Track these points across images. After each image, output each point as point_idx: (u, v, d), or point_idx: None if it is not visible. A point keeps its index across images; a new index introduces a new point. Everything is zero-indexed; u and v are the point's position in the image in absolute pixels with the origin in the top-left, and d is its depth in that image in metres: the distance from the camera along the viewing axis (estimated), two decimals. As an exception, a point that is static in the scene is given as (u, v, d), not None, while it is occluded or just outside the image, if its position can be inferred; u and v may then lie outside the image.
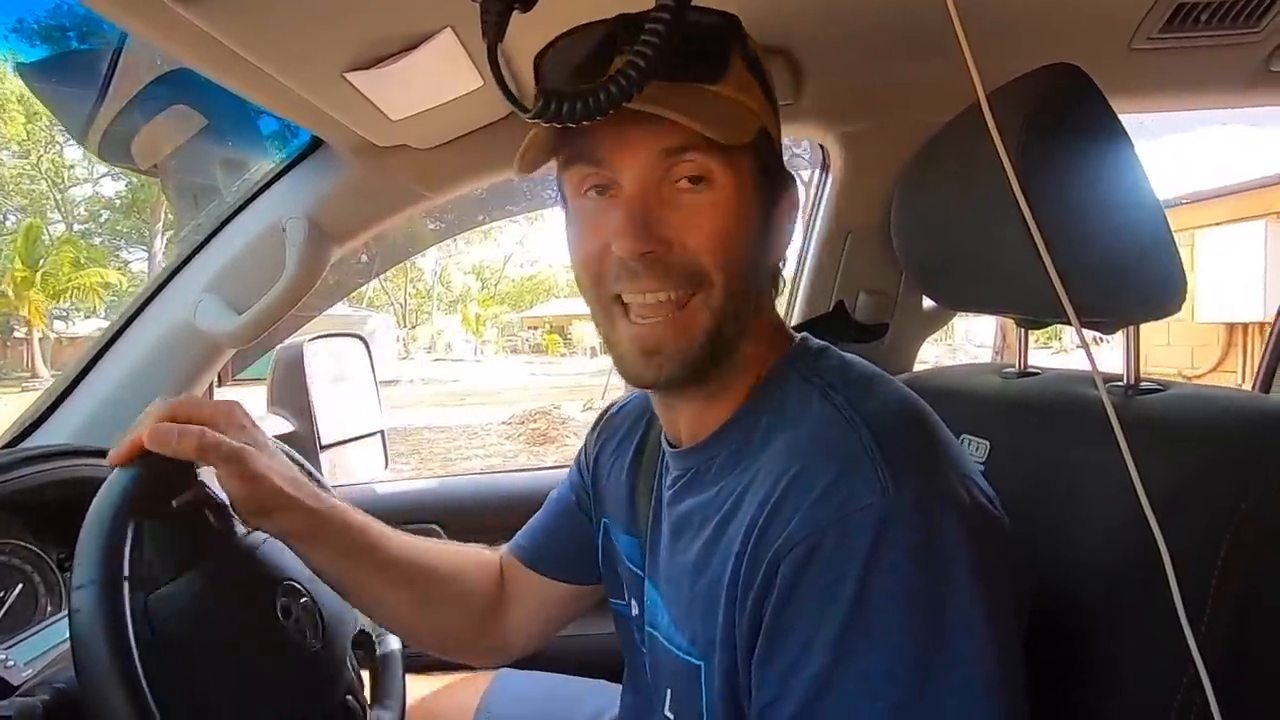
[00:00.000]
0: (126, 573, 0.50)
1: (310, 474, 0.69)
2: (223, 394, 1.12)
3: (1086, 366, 0.57)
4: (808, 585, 0.43)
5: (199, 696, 0.53)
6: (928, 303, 1.05)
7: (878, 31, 0.82)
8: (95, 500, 0.51)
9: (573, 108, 0.35)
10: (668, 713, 0.56)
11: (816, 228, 1.05)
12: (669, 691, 0.56)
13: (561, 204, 0.56)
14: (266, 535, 0.64)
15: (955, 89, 0.58)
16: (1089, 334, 0.63)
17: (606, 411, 0.77)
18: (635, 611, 0.64)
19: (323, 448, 1.29)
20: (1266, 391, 1.35)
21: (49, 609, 0.73)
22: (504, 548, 0.81)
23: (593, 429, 0.77)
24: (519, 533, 0.81)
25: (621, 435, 0.71)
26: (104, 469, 0.77)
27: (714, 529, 0.51)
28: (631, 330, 0.51)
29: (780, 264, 0.57)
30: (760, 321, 0.55)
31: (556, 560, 0.78)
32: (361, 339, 1.55)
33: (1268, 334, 1.38)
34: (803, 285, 1.06)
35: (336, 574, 0.65)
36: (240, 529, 0.64)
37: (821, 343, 0.57)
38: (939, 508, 0.43)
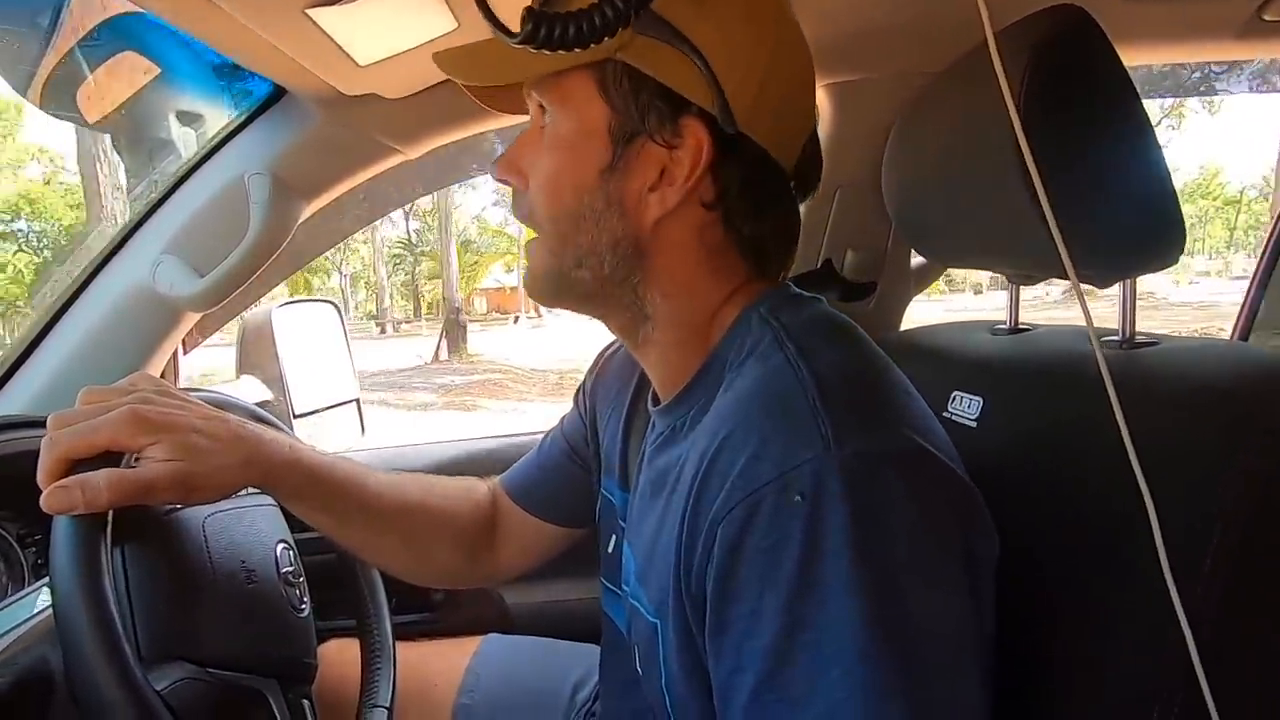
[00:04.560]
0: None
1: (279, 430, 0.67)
2: (187, 362, 1.08)
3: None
4: (750, 549, 0.41)
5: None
6: (917, 259, 1.04)
7: None
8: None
9: (565, 32, 0.31)
10: (638, 667, 0.56)
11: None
12: (637, 648, 0.56)
13: None
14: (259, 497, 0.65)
15: (949, 38, 0.56)
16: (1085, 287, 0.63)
17: (602, 354, 0.75)
18: (619, 566, 0.63)
19: (296, 416, 1.25)
20: (1245, 339, 1.39)
21: (9, 587, 0.70)
22: (496, 479, 0.80)
23: (589, 373, 0.76)
24: (513, 466, 0.80)
25: (618, 385, 0.69)
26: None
27: (672, 487, 0.50)
28: None
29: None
30: (680, 275, 0.52)
31: (544, 502, 0.77)
32: (334, 304, 1.50)
33: (1248, 284, 1.41)
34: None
35: (319, 526, 0.65)
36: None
37: (800, 292, 0.55)
38: (883, 462, 0.42)
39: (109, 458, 0.50)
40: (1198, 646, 0.45)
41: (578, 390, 0.77)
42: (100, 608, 0.44)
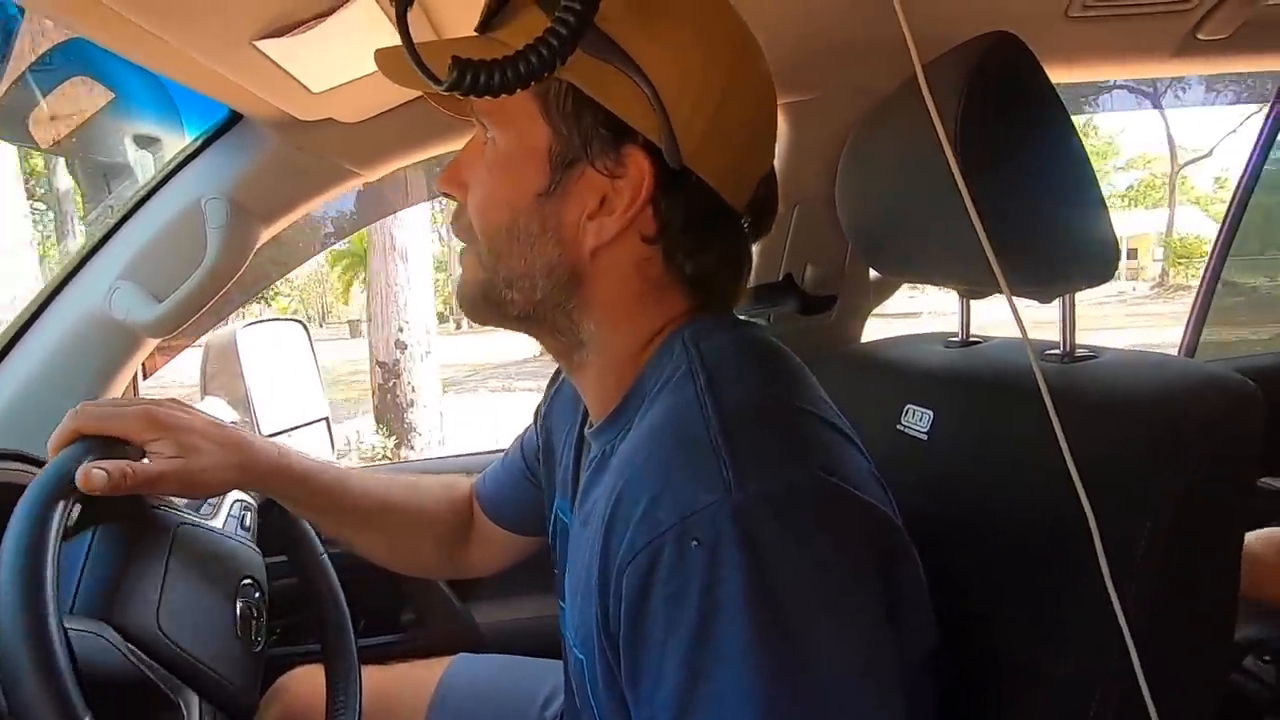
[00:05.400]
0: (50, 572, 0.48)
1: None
2: (146, 388, 1.07)
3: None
4: (655, 598, 0.39)
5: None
6: (875, 273, 1.06)
7: None
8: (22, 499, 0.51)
9: (490, 79, 0.32)
10: (576, 701, 0.56)
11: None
12: (572, 679, 0.56)
13: None
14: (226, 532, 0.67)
15: (899, 57, 0.57)
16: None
17: (559, 373, 0.74)
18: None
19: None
20: (1192, 356, 1.41)
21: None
22: (475, 480, 0.83)
23: (546, 392, 0.75)
24: (487, 470, 0.83)
25: (573, 405, 0.67)
26: (15, 472, 0.74)
27: (593, 520, 0.48)
28: None
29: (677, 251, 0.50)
30: (617, 305, 0.51)
31: (507, 512, 0.79)
32: (301, 323, 1.49)
33: (1193, 299, 1.41)
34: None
35: (307, 520, 0.73)
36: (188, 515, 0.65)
37: (733, 318, 0.54)
38: (786, 503, 0.40)
39: (117, 446, 0.57)
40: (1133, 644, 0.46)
41: (536, 409, 0.76)
42: (37, 556, 0.48)
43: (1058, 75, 0.97)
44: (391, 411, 6.31)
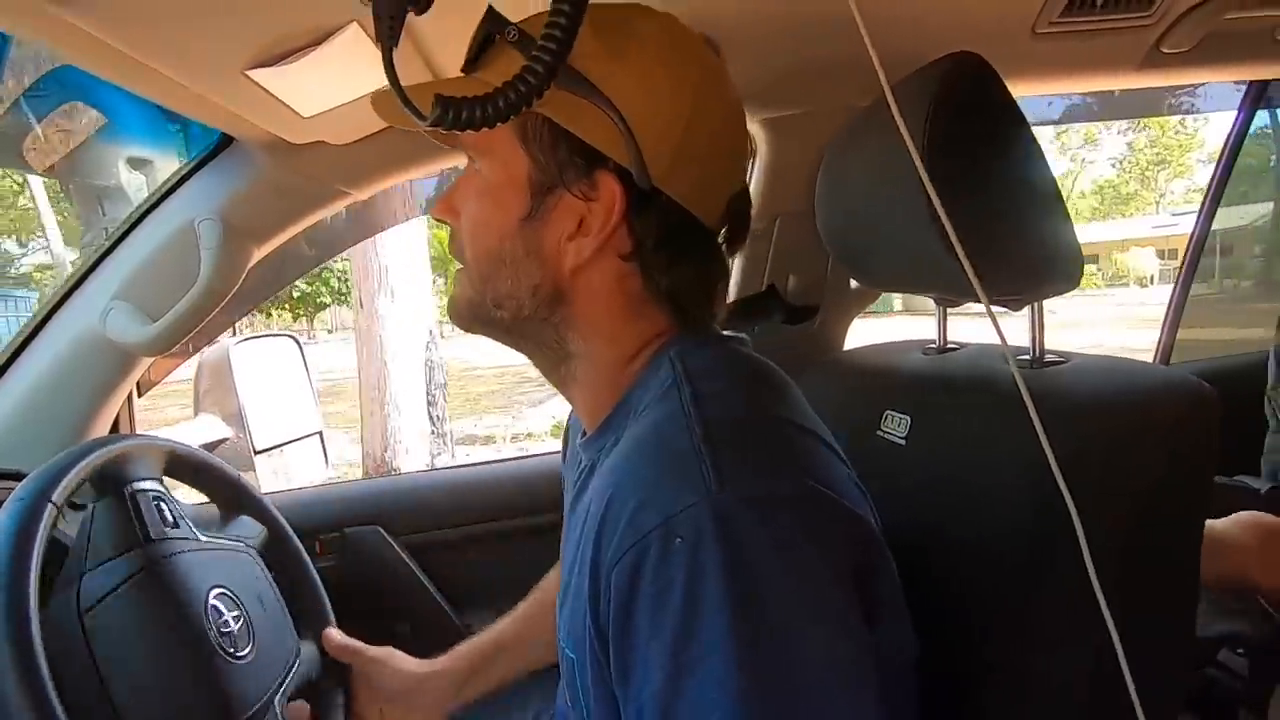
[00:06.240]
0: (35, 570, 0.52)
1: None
2: (142, 405, 1.08)
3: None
4: (641, 596, 0.41)
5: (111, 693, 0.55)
6: (855, 282, 1.08)
7: (794, 16, 0.83)
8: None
9: (471, 114, 0.34)
10: (567, 700, 0.57)
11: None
12: (565, 678, 0.57)
13: None
14: (201, 542, 0.68)
15: (874, 74, 0.59)
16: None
17: None
18: None
19: (257, 453, 1.25)
20: (1166, 363, 1.42)
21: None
22: None
23: (569, 420, 0.77)
24: None
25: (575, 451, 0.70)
26: (8, 491, 0.75)
27: (583, 527, 0.50)
28: None
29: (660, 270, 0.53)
30: (600, 321, 0.53)
31: None
32: (294, 338, 1.50)
33: (1165, 308, 1.43)
34: (735, 270, 1.08)
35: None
36: (172, 531, 0.65)
37: (719, 333, 0.56)
38: (767, 506, 0.42)
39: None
40: (1106, 639, 0.48)
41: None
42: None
43: (1026, 90, 1.00)
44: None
